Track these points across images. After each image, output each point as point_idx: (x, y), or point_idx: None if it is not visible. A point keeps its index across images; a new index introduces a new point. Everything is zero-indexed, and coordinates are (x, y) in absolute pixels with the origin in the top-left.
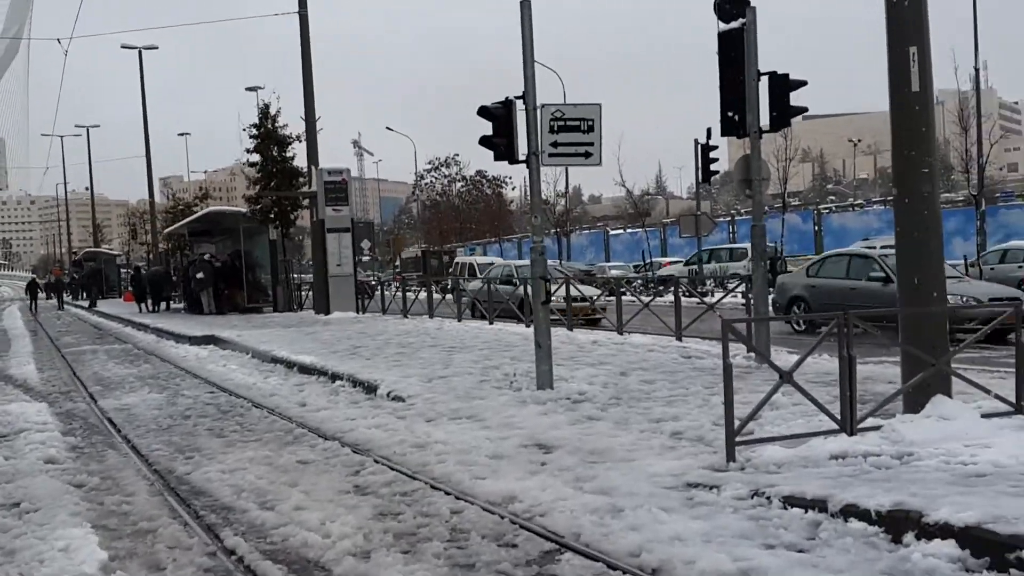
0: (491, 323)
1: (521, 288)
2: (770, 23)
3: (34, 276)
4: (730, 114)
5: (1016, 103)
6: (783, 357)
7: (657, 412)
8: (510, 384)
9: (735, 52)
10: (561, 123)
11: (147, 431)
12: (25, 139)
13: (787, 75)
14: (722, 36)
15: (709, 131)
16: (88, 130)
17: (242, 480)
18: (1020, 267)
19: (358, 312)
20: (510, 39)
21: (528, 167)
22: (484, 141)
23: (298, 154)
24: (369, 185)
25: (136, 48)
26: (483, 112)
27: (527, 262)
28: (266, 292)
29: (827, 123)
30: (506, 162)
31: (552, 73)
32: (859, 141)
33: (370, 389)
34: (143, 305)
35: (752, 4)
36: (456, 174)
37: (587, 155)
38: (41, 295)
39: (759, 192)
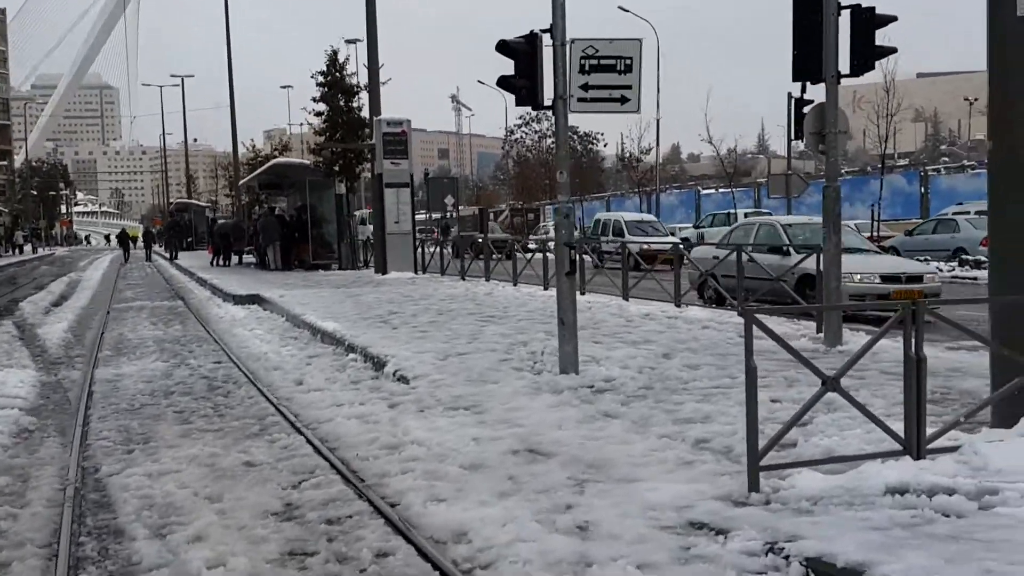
0: (582, 293)
1: (799, 259)
2: None
3: (124, 228)
4: (804, 56)
5: None
6: (859, 342)
7: (688, 409)
8: (532, 365)
9: None
10: (594, 62)
11: (115, 411)
12: (136, 90)
13: (872, 9)
14: None
15: (804, 85)
16: (183, 80)
17: (162, 489)
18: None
19: (416, 272)
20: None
21: (554, 114)
22: (502, 82)
23: (366, 105)
24: (466, 140)
25: None
26: (502, 47)
27: (800, 219)
28: (332, 249)
29: (943, 81)
30: (529, 107)
31: (646, 24)
32: (975, 100)
33: (379, 365)
34: (215, 259)
35: None
36: (547, 130)
37: (623, 100)
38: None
39: (835, 148)
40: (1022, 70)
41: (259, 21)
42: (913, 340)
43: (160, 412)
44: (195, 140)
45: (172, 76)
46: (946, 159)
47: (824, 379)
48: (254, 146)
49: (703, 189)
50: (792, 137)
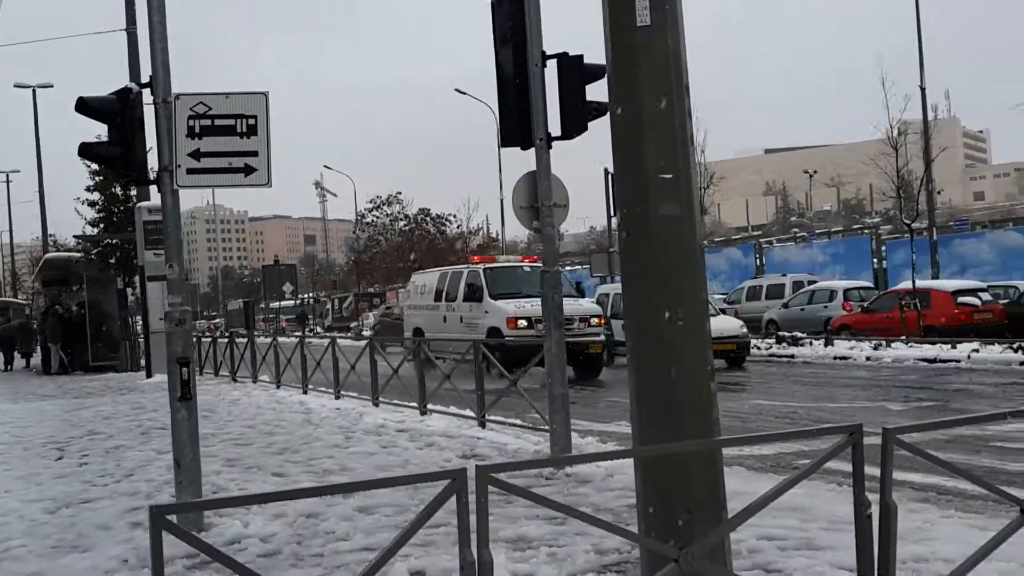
0: (337, 397)
1: None
2: (736, 56)
3: None
4: (510, 117)
5: (981, 132)
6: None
7: None
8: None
9: (515, 29)
10: (206, 122)
11: None
12: None
13: (580, 57)
14: (496, 7)
15: None
16: (8, 175)
17: None
18: (826, 307)
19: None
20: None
21: (159, 189)
22: (86, 151)
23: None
24: (332, 226)
25: (30, 87)
26: (82, 108)
27: None
28: (117, 348)
29: (791, 156)
30: (134, 185)
31: (487, 107)
32: (815, 173)
33: None
34: None
35: None
36: (399, 212)
37: (248, 170)
38: None
39: (550, 224)
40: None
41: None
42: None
43: None
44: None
45: None
46: (797, 230)
47: None
48: (55, 241)
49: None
50: (611, 214)
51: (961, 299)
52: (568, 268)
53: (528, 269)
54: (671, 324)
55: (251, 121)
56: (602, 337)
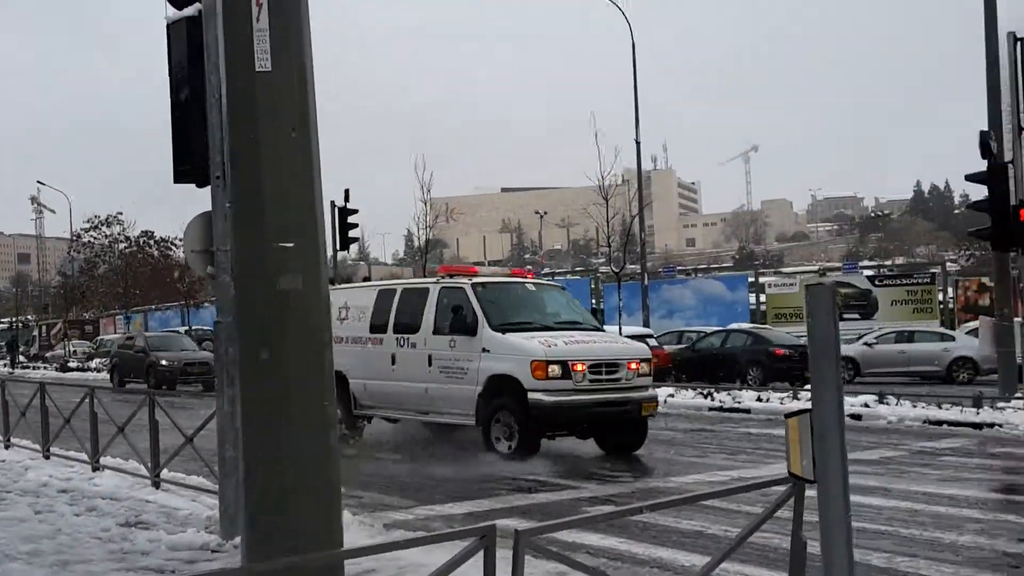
0: (7, 447)
1: None
2: (471, 95)
3: None
4: (184, 152)
5: (694, 183)
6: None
7: None
8: None
9: (192, 54)
10: None
11: None
12: None
13: None
14: (172, 28)
15: (347, 192)
16: None
17: None
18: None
19: None
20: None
21: None
22: None
23: None
24: (50, 244)
25: None
26: None
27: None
28: None
29: (525, 195)
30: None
31: None
32: (546, 213)
33: None
34: None
35: None
36: (119, 234)
37: None
38: None
39: (226, 271)
40: (265, 157)
41: None
42: None
43: None
44: None
45: None
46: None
47: None
48: None
49: None
50: (337, 249)
51: None
52: None
53: (533, 288)
54: (289, 428)
55: None
56: (652, 391)
